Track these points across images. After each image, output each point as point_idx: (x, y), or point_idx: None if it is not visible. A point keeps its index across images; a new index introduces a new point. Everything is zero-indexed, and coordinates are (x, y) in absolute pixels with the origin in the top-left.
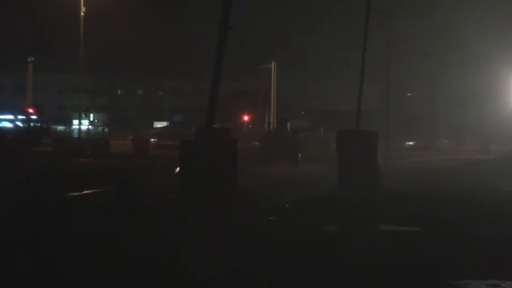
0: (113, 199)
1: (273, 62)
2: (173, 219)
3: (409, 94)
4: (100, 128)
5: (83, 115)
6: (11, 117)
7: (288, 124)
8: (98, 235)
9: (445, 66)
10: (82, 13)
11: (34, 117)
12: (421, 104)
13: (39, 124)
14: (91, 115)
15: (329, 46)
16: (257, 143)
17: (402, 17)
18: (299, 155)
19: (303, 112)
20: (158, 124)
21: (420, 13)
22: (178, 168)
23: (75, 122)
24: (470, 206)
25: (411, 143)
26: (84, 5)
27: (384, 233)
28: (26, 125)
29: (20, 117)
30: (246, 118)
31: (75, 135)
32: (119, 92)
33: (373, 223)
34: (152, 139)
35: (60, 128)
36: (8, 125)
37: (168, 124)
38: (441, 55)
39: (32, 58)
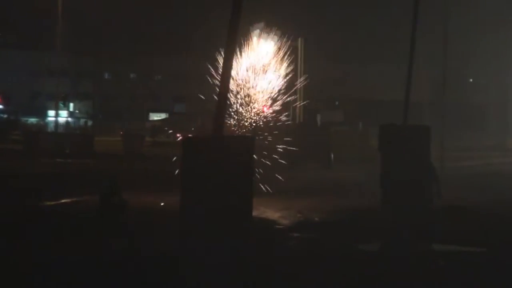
0: (97, 210)
1: (300, 39)
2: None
3: (471, 80)
4: (82, 121)
5: (60, 105)
6: None
7: (318, 117)
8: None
9: None
10: None
11: None
12: (486, 93)
13: (5, 116)
14: (71, 105)
15: (370, 21)
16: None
17: None
18: (332, 155)
19: (337, 102)
20: (155, 116)
21: None
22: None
23: (51, 113)
24: None
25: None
26: None
27: (439, 255)
28: None
29: None
30: (265, 109)
31: (51, 129)
32: (106, 75)
33: (425, 242)
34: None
35: (32, 120)
36: None
37: (167, 116)
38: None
39: None
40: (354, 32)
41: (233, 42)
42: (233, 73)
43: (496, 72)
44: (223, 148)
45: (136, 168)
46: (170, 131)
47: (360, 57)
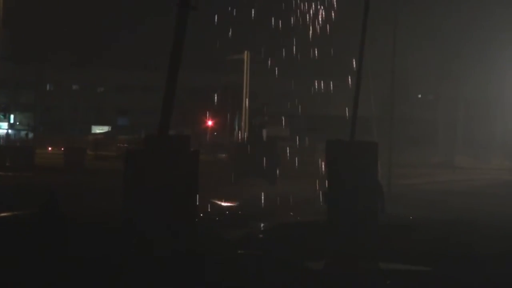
0: (37, 221)
1: (246, 52)
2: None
3: (419, 96)
4: (23, 133)
5: (0, 116)
6: None
7: (264, 132)
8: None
9: (467, 62)
10: None
11: None
12: (434, 109)
13: None
14: (12, 116)
15: (317, 33)
16: (224, 155)
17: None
18: (277, 171)
19: (283, 117)
20: (98, 129)
21: None
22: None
23: None
24: (500, 239)
25: None
26: None
27: (385, 273)
28: None
29: None
30: (210, 122)
31: None
32: (48, 87)
33: (370, 260)
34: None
35: None
36: None
37: (110, 129)
38: (463, 49)
39: None
40: (302, 46)
41: (184, 26)
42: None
43: (445, 88)
44: (167, 161)
45: (77, 182)
46: (124, 145)
47: (307, 72)
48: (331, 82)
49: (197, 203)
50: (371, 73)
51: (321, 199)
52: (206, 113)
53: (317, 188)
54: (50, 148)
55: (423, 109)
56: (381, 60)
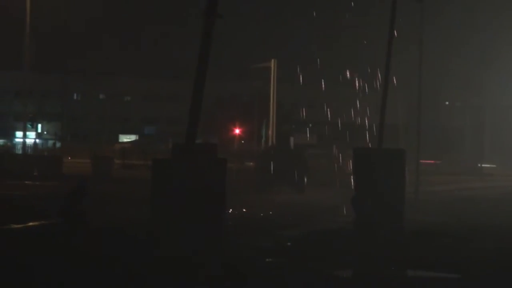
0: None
1: (273, 60)
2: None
3: (447, 103)
4: (50, 142)
5: (28, 126)
6: None
7: (291, 140)
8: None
9: (493, 69)
10: None
11: None
12: (461, 116)
13: None
14: (39, 126)
15: (345, 43)
16: (252, 163)
17: (436, 6)
18: (305, 179)
19: (310, 125)
20: (125, 138)
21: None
22: None
23: (19, 134)
24: None
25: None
26: None
27: (413, 281)
28: None
29: None
30: (237, 131)
31: (18, 150)
32: (75, 96)
33: (399, 268)
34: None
35: None
36: None
37: (137, 137)
38: (488, 56)
39: None
40: (329, 54)
41: (210, 33)
42: None
43: (471, 95)
44: (194, 170)
45: (106, 191)
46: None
47: (335, 80)
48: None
49: (225, 211)
50: (399, 81)
51: (350, 207)
52: (234, 122)
53: (345, 196)
54: (69, 157)
55: (451, 116)
56: (409, 68)
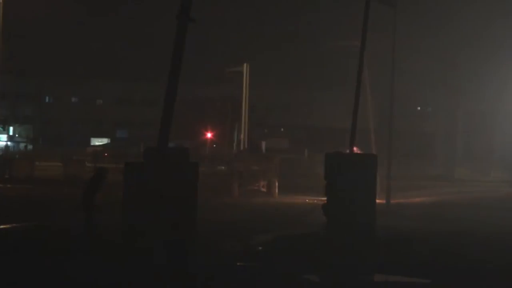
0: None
1: (245, 64)
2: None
3: (419, 108)
4: (22, 145)
5: (0, 128)
6: None
7: (263, 144)
8: None
9: (466, 74)
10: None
11: None
12: (433, 121)
13: None
14: (11, 128)
15: (317, 45)
16: (224, 167)
17: (410, 12)
18: (276, 183)
19: (282, 129)
20: (97, 142)
21: (433, 6)
22: None
23: None
24: (498, 251)
25: None
26: None
27: (382, 286)
28: None
29: None
30: (209, 135)
31: None
32: (47, 99)
33: (369, 272)
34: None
35: None
36: None
37: (109, 141)
38: (461, 61)
39: None
40: (301, 57)
41: (183, 38)
42: None
43: (444, 100)
44: (166, 173)
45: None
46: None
47: (307, 83)
48: (331, 94)
49: (197, 215)
50: (370, 85)
51: (321, 211)
52: (206, 126)
53: (316, 200)
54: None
55: (422, 121)
56: (381, 72)
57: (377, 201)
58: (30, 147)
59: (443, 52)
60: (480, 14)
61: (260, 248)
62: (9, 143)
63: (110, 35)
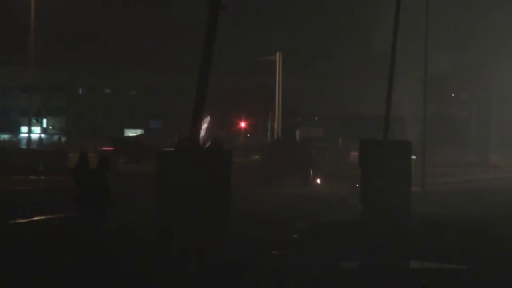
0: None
1: (277, 53)
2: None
3: (453, 95)
4: (56, 137)
5: (33, 121)
6: None
7: (297, 133)
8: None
9: (500, 61)
10: None
11: None
12: (468, 108)
13: None
14: (44, 121)
15: (350, 36)
16: (258, 156)
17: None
18: (311, 171)
19: (316, 118)
20: (130, 132)
21: None
22: None
23: (24, 129)
24: None
25: None
26: None
27: (418, 272)
28: None
29: None
30: (243, 124)
31: (24, 145)
32: (80, 91)
33: (405, 259)
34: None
35: (4, 137)
36: None
37: (143, 132)
38: (495, 48)
39: None
40: (334, 47)
41: (214, 26)
42: None
43: (478, 87)
44: (200, 161)
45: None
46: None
47: (340, 72)
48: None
49: (231, 203)
50: (404, 73)
51: (357, 199)
52: (239, 115)
53: (351, 188)
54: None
55: (457, 108)
56: (415, 60)
57: (412, 188)
58: (63, 139)
59: (478, 39)
60: None
61: (295, 236)
62: (42, 135)
63: (143, 26)
